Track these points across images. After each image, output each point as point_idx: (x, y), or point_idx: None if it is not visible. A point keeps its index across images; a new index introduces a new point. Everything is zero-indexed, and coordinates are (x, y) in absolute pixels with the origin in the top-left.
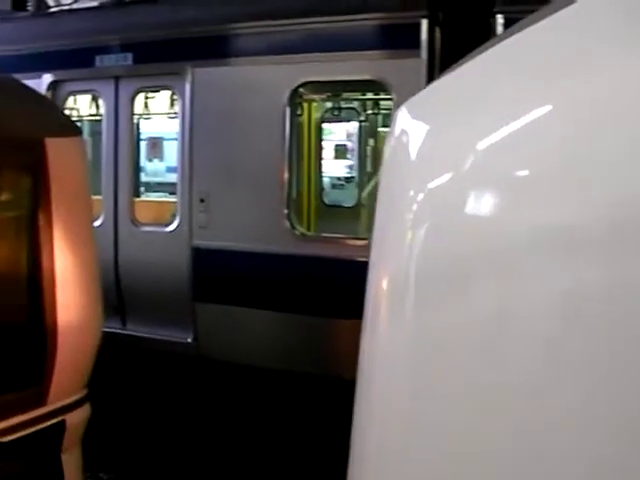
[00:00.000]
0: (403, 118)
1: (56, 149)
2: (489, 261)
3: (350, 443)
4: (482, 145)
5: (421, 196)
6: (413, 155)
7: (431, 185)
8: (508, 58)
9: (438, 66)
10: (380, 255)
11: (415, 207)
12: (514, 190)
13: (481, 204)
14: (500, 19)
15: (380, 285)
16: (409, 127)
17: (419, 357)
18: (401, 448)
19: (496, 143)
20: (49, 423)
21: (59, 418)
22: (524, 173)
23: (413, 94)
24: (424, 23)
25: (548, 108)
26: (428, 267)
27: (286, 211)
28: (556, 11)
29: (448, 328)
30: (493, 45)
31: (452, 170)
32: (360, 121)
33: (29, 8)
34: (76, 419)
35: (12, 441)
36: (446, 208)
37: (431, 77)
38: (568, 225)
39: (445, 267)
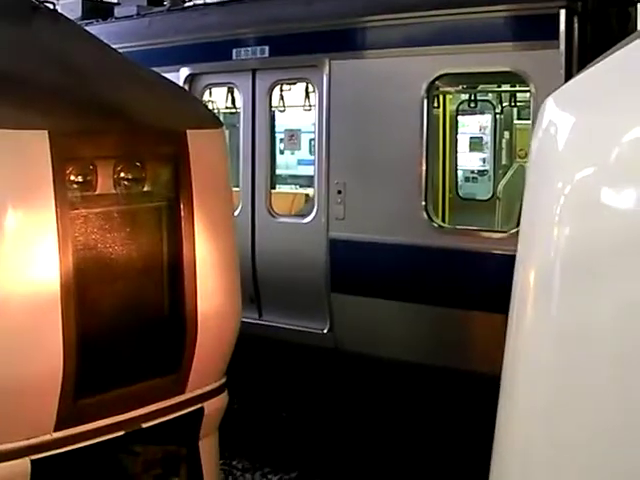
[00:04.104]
0: (550, 110)
1: (197, 140)
2: (636, 254)
3: (494, 435)
4: (632, 137)
5: (568, 188)
6: (561, 147)
7: (579, 177)
8: None
9: (576, 57)
10: (527, 249)
11: (562, 200)
12: None
13: (629, 197)
14: None
15: (527, 277)
16: (556, 119)
17: (565, 349)
18: (547, 439)
19: None
20: (188, 410)
21: (197, 405)
22: None
23: (551, 86)
24: (562, 13)
25: None
26: (575, 260)
27: (423, 203)
28: None
29: (595, 321)
30: None
31: (600, 162)
32: (495, 113)
33: (165, 3)
34: (214, 407)
35: (152, 427)
36: (593, 201)
37: (569, 68)
38: None
39: (593, 260)
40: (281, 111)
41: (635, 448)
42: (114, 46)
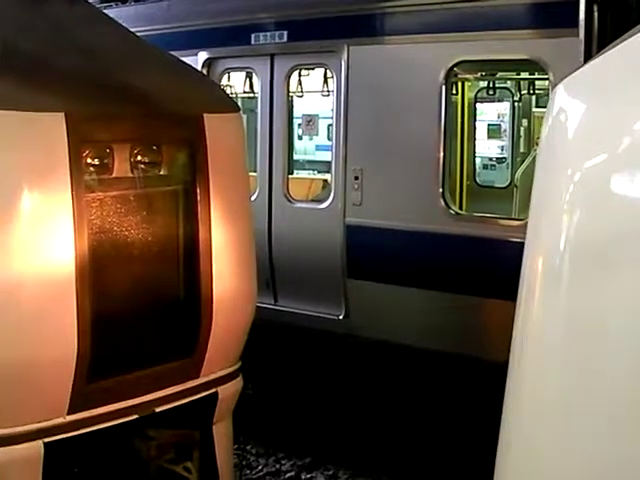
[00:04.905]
0: (561, 97)
1: (214, 125)
2: None
3: (500, 422)
4: None
5: (578, 175)
6: (570, 134)
7: (588, 164)
8: None
9: (595, 45)
10: (536, 235)
11: (572, 187)
12: None
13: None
14: None
15: (535, 265)
16: (567, 106)
17: (574, 339)
18: (555, 432)
19: None
20: (202, 395)
21: (212, 390)
22: None
23: (570, 74)
24: (582, 1)
25: None
26: (584, 247)
27: (441, 190)
28: None
29: (604, 310)
30: None
31: (610, 149)
32: (514, 101)
33: None
34: (228, 391)
35: (165, 411)
36: (603, 188)
37: (588, 56)
38: None
39: (601, 248)
40: (299, 96)
41: None
42: (132, 29)
